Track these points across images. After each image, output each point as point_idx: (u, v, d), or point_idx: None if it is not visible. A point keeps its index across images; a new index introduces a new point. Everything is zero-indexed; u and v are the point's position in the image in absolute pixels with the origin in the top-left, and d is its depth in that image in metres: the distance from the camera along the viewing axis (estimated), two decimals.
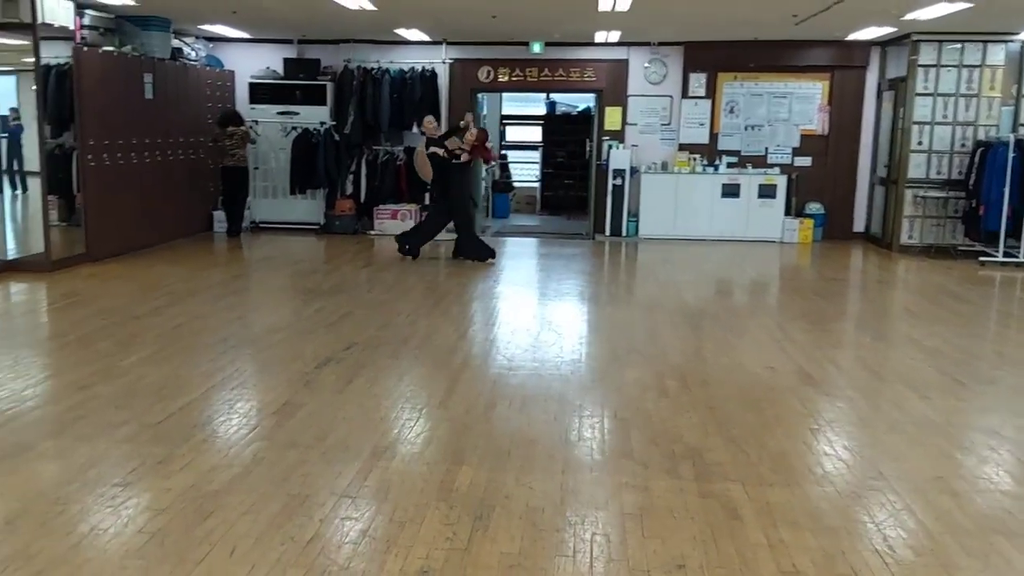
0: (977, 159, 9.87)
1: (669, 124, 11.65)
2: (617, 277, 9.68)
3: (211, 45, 11.62)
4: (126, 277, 8.17)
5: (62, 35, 8.30)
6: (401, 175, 11.42)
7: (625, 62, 11.56)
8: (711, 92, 11.53)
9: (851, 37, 10.54)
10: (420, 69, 11.40)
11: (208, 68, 11.26)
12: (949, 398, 4.96)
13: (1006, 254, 9.61)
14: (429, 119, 9.51)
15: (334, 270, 9.08)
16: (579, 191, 14.37)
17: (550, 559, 2.99)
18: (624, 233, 11.48)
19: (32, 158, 8.32)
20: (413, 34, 10.85)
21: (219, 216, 11.20)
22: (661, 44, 11.44)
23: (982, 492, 3.63)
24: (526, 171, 16.08)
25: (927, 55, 10.27)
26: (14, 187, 9.05)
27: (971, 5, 7.87)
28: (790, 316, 7.22)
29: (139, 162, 9.48)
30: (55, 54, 8.55)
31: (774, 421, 4.50)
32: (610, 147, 11.52)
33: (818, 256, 10.51)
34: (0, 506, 3.32)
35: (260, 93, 11.47)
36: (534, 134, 15.89)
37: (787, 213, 11.40)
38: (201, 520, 3.21)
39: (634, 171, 11.45)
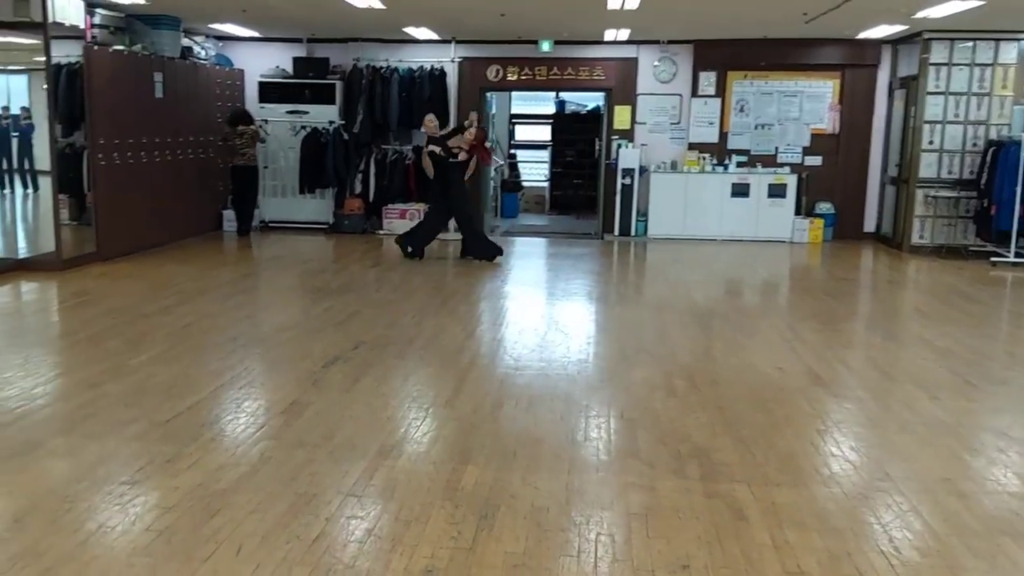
0: (989, 158, 9.81)
1: (679, 123, 11.62)
2: (626, 277, 9.67)
3: (221, 44, 11.66)
4: (136, 276, 8.21)
5: (73, 34, 8.34)
6: (410, 174, 11.43)
7: (634, 61, 11.54)
8: (721, 91, 11.50)
9: (862, 35, 10.49)
10: (429, 68, 11.41)
11: (218, 67, 11.30)
12: (959, 399, 4.93)
13: (1018, 254, 9.54)
14: (429, 118, 9.51)
15: (343, 269, 9.10)
16: (588, 190, 14.35)
17: (555, 559, 2.99)
18: (633, 233, 11.46)
19: (43, 157, 8.37)
20: (422, 33, 10.86)
21: (229, 215, 11.24)
22: (670, 42, 11.41)
23: (990, 494, 3.61)
24: (535, 170, 16.07)
25: (939, 53, 10.21)
26: (25, 186, 9.12)
27: (983, 3, 7.82)
28: (800, 316, 7.19)
29: (149, 161, 9.52)
30: (66, 53, 8.59)
31: (783, 421, 4.48)
32: (619, 146, 11.50)
33: (828, 256, 10.47)
34: (9, 503, 3.34)
35: (269, 92, 11.50)
36: (543, 133, 15.87)
37: (797, 213, 11.35)
38: (208, 518, 3.22)
39: (643, 170, 11.42)
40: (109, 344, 5.70)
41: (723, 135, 11.57)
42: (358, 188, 11.62)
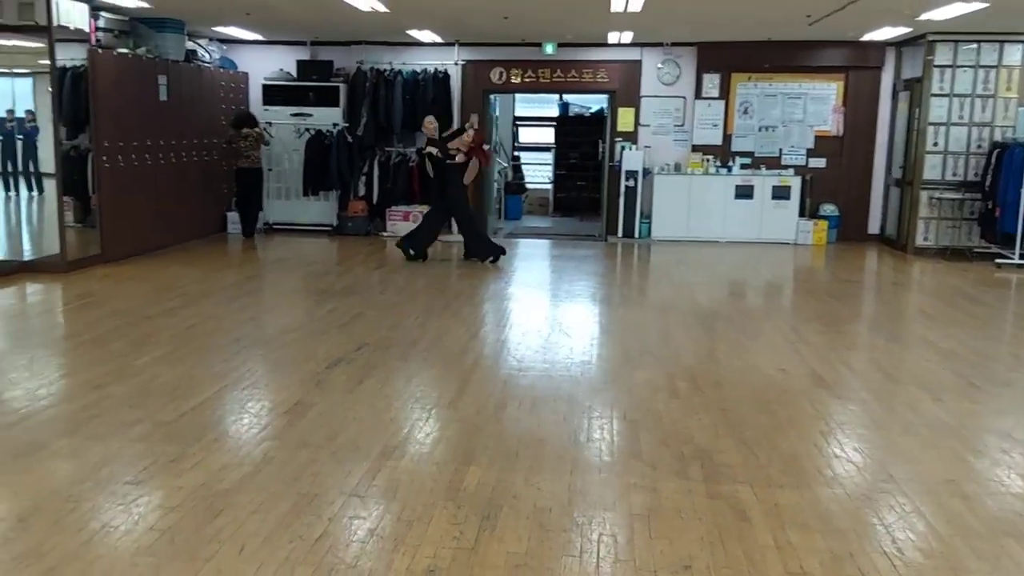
0: (993, 160, 9.79)
1: (682, 125, 11.63)
2: (629, 279, 9.67)
3: (225, 47, 11.69)
4: (140, 278, 8.23)
5: (77, 37, 8.37)
6: (414, 176, 11.44)
7: (638, 63, 11.54)
8: (725, 93, 11.50)
9: (866, 37, 10.48)
10: (432, 70, 11.43)
11: (222, 70, 11.33)
12: (963, 401, 4.92)
13: (1022, 256, 9.53)
14: (429, 119, 9.52)
15: (346, 271, 9.11)
16: (592, 193, 14.36)
17: (556, 559, 2.99)
18: (637, 235, 11.46)
19: (48, 160, 8.39)
20: (425, 36, 10.88)
21: (233, 217, 11.27)
22: (674, 45, 11.42)
23: (993, 495, 3.60)
24: (539, 172, 16.09)
25: (943, 55, 10.20)
26: (30, 188, 9.15)
27: (986, 5, 7.81)
28: (804, 318, 7.19)
29: (154, 164, 9.55)
30: (70, 56, 8.61)
31: (786, 423, 4.48)
32: (623, 148, 11.51)
33: (832, 258, 10.46)
34: (14, 504, 3.35)
35: (274, 95, 11.53)
36: (547, 135, 15.89)
37: (801, 215, 11.34)
38: (211, 518, 3.23)
39: (647, 172, 11.42)
40: (113, 345, 5.72)
41: (727, 137, 11.57)
42: (362, 190, 11.64)
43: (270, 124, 11.37)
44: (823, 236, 11.30)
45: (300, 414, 4.44)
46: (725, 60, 11.35)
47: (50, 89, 8.15)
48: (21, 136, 9.03)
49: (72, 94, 8.77)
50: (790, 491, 3.59)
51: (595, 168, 13.88)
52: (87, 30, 8.48)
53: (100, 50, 8.71)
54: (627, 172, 11.34)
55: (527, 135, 16.61)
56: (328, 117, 11.42)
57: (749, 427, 4.37)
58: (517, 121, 15.62)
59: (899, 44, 10.94)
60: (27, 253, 8.72)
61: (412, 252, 9.35)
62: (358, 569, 2.90)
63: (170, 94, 9.81)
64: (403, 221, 11.32)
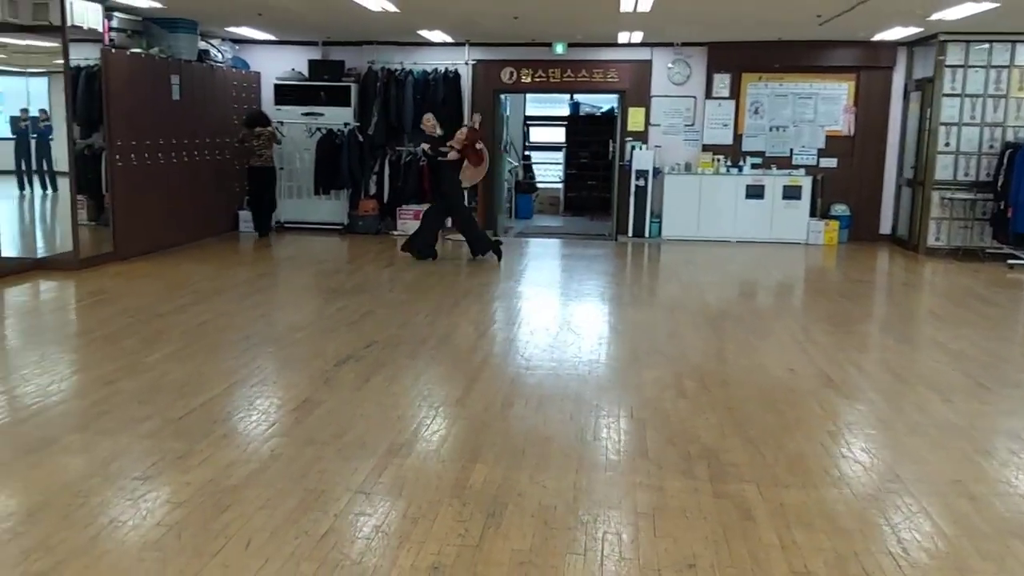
0: (1005, 161, 9.73)
1: (693, 125, 11.61)
2: (639, 278, 9.66)
3: (237, 47, 11.75)
4: (153, 275, 8.29)
5: (91, 37, 8.44)
6: (424, 176, 11.45)
7: (648, 63, 11.53)
8: (735, 93, 11.47)
9: (877, 37, 10.43)
10: (443, 70, 11.46)
11: (234, 70, 11.39)
12: (972, 401, 4.90)
13: None
14: (427, 117, 9.51)
15: (357, 270, 9.14)
16: (602, 192, 14.36)
17: (561, 557, 3.00)
18: (647, 234, 11.45)
19: (61, 158, 8.47)
20: (436, 35, 10.90)
21: (245, 216, 11.32)
22: (684, 44, 11.40)
23: (1001, 496, 3.59)
24: (549, 172, 16.10)
25: (954, 55, 10.15)
26: (44, 187, 9.23)
27: (997, 5, 7.77)
28: (814, 318, 7.17)
29: (166, 162, 9.62)
30: (84, 56, 8.69)
31: (793, 423, 4.47)
32: (633, 148, 11.50)
33: (843, 258, 10.42)
34: (24, 498, 3.39)
35: (285, 94, 11.58)
36: (557, 135, 15.89)
37: (812, 215, 11.31)
38: (218, 514, 3.26)
39: (657, 172, 11.42)
40: (125, 342, 5.77)
41: (737, 137, 11.54)
42: (372, 189, 11.68)
43: (282, 124, 11.42)
44: (834, 236, 11.26)
45: (308, 411, 4.47)
46: (735, 60, 11.32)
47: (64, 89, 8.20)
48: (35, 135, 9.11)
49: (86, 93, 8.85)
50: (796, 491, 3.59)
51: (606, 168, 13.87)
52: (100, 30, 8.54)
53: (113, 50, 8.77)
54: (637, 172, 11.34)
55: (538, 134, 16.62)
56: (339, 117, 11.46)
57: (756, 426, 4.37)
58: (528, 121, 15.63)
59: (910, 44, 10.89)
60: (40, 250, 8.80)
61: (420, 253, 9.36)
62: (363, 565, 2.92)
63: (183, 94, 9.87)
64: (413, 220, 11.31)
